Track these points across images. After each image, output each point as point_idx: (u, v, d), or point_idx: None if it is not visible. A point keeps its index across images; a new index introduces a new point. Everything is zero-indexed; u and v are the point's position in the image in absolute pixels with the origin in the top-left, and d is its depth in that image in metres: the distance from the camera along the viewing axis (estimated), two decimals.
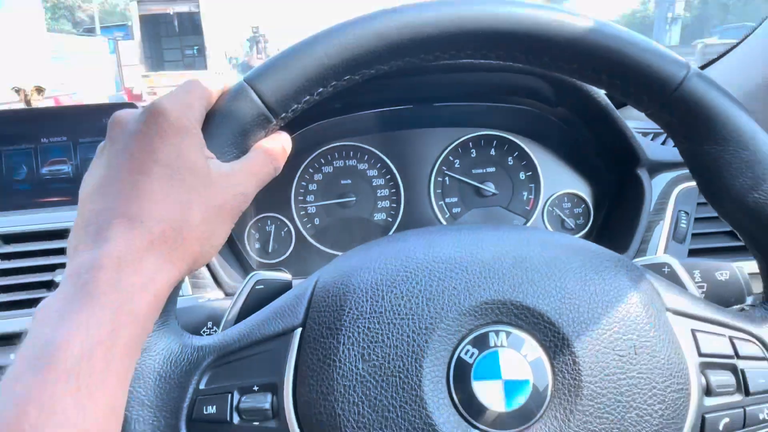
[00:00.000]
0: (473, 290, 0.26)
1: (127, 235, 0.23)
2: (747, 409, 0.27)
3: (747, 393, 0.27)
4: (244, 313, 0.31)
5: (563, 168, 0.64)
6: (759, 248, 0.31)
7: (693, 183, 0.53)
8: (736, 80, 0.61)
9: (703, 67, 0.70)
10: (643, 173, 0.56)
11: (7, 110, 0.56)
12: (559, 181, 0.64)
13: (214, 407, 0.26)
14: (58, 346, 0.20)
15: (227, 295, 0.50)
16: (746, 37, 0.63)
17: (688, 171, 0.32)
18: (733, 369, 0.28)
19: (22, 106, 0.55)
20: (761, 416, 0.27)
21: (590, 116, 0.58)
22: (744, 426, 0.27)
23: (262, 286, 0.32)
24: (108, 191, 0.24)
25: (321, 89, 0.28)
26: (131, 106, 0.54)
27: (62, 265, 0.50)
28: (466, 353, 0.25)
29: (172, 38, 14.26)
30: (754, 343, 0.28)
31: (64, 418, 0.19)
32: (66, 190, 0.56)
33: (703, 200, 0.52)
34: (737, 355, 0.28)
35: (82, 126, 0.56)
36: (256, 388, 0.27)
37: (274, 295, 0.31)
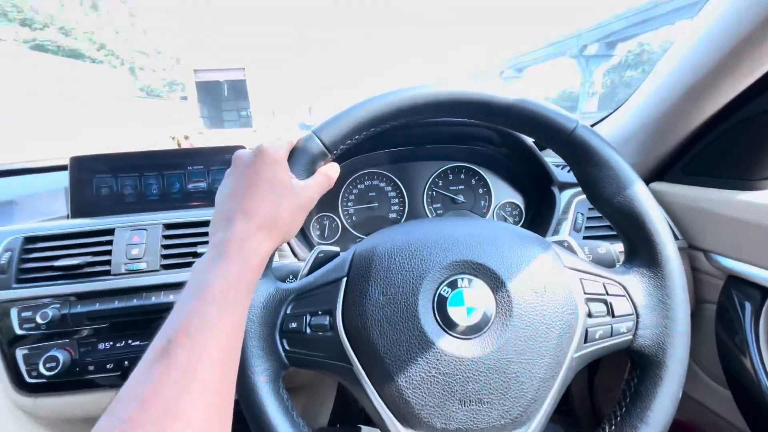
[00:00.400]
0: (447, 253, 0.34)
1: (244, 223, 0.31)
2: (613, 325, 0.35)
3: (613, 316, 0.35)
4: (312, 269, 0.39)
5: (506, 186, 0.79)
6: (621, 230, 0.39)
7: (585, 196, 0.68)
8: (616, 131, 0.72)
9: (594, 124, 0.81)
10: (555, 189, 0.70)
11: (170, 150, 0.73)
12: (503, 194, 0.79)
13: (295, 323, 0.34)
14: (208, 284, 0.27)
15: (300, 260, 0.62)
16: (622, 104, 0.73)
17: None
18: (605, 302, 0.35)
19: (175, 147, 0.70)
20: (621, 330, 0.35)
21: (522, 153, 0.72)
22: (611, 335, 0.35)
23: (322, 254, 0.40)
24: (233, 197, 0.33)
25: (357, 136, 0.36)
26: (242, 147, 0.70)
27: (203, 242, 0.62)
28: (444, 291, 0.33)
29: (228, 101, 16.13)
30: (618, 285, 0.36)
31: (211, 325, 0.26)
32: (203, 198, 0.73)
33: (591, 205, 0.69)
34: (607, 293, 0.36)
35: (212, 159, 0.73)
36: (319, 312, 0.35)
37: (328, 260, 0.39)
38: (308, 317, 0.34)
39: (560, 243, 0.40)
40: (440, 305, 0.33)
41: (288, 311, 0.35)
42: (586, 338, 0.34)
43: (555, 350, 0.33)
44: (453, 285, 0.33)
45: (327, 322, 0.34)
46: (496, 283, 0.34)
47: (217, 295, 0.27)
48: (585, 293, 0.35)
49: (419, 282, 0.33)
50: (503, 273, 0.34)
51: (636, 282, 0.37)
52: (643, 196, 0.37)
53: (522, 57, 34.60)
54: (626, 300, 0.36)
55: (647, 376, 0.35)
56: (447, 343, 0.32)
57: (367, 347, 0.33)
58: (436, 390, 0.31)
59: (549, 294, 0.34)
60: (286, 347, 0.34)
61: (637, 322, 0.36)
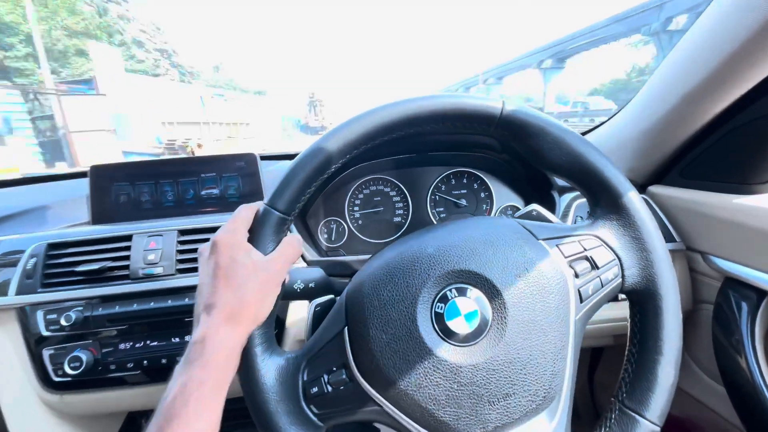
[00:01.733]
0: (429, 271, 0.35)
1: (207, 320, 0.31)
2: (600, 277, 0.36)
3: (597, 268, 0.36)
4: (314, 325, 0.39)
5: (507, 190, 0.81)
6: (579, 185, 0.40)
7: (584, 199, 0.64)
8: (615, 135, 0.73)
9: (593, 129, 0.81)
10: (555, 193, 0.72)
11: (184, 158, 0.75)
12: (505, 197, 0.81)
13: (316, 387, 0.34)
14: (170, 397, 0.28)
15: (309, 264, 0.65)
16: (621, 108, 0.74)
17: (579, 192, 0.42)
18: (586, 257, 0.36)
19: (190, 155, 0.73)
20: (609, 278, 0.36)
21: (521, 158, 0.74)
22: (602, 286, 0.36)
23: (318, 308, 0.40)
24: (199, 294, 0.34)
25: (309, 190, 0.37)
26: (250, 156, 0.76)
27: None
28: (438, 308, 0.34)
29: None
30: (592, 237, 0.38)
31: (186, 424, 0.27)
32: (215, 204, 0.76)
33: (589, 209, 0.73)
34: (585, 249, 0.37)
35: (224, 166, 0.76)
36: (334, 368, 0.35)
37: (326, 309, 0.39)
38: (326, 377, 0.34)
39: (528, 214, 0.41)
40: (439, 322, 0.33)
41: (305, 378, 0.35)
42: (580, 298, 0.35)
43: (557, 322, 0.33)
44: (444, 299, 0.34)
45: (345, 376, 0.34)
46: (482, 282, 0.34)
47: (178, 409, 0.28)
48: (565, 257, 0.36)
49: (413, 308, 0.33)
50: (483, 270, 0.34)
51: (607, 229, 0.38)
52: (585, 148, 0.37)
53: (501, 67, 37.68)
54: (604, 248, 0.37)
55: (647, 309, 0.36)
56: (458, 355, 0.32)
57: (387, 385, 0.33)
58: (464, 401, 0.32)
59: (534, 272, 0.34)
60: (315, 411, 0.35)
61: (621, 265, 0.37)
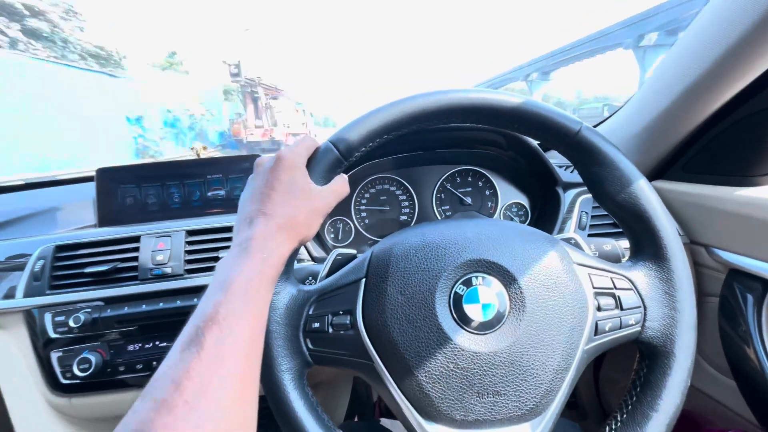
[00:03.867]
0: (461, 253, 0.35)
1: (265, 224, 0.32)
2: (621, 318, 0.36)
3: (621, 309, 0.36)
4: (331, 272, 0.40)
5: (512, 187, 0.81)
6: (626, 227, 0.40)
7: (590, 194, 0.64)
8: (618, 131, 0.73)
9: (596, 125, 0.81)
10: (560, 189, 0.72)
11: (189, 160, 0.76)
12: (510, 195, 0.81)
13: (318, 323, 0.36)
14: (233, 278, 0.29)
15: (316, 262, 0.65)
16: (624, 104, 0.75)
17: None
18: (613, 295, 0.36)
19: (195, 157, 0.74)
20: (629, 322, 0.36)
21: (527, 155, 0.75)
22: (620, 327, 0.36)
23: (340, 257, 0.41)
24: (255, 200, 0.34)
25: (371, 144, 0.38)
26: (254, 158, 0.71)
27: (224, 247, 0.65)
28: (459, 289, 0.34)
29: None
30: (625, 280, 0.37)
31: (237, 315, 0.27)
32: (221, 205, 0.76)
33: (596, 204, 0.66)
34: (615, 287, 0.37)
35: (229, 168, 0.76)
36: (341, 312, 0.36)
37: (346, 262, 0.40)
38: (330, 317, 0.35)
39: (567, 240, 0.41)
40: (456, 303, 0.34)
41: (310, 312, 0.36)
42: (596, 331, 0.35)
43: (567, 343, 0.33)
44: (468, 283, 0.34)
45: (348, 322, 0.35)
46: (509, 280, 0.35)
47: (242, 287, 0.28)
48: (594, 287, 0.36)
49: (435, 281, 0.34)
50: (516, 270, 0.35)
51: (642, 276, 0.38)
52: (646, 192, 0.38)
53: (494, 79, 39.90)
54: (633, 293, 0.37)
55: (656, 366, 0.35)
56: (464, 339, 0.33)
57: (387, 344, 0.34)
58: (455, 383, 0.32)
59: (560, 289, 0.34)
60: (310, 346, 0.36)
61: (645, 314, 0.36)
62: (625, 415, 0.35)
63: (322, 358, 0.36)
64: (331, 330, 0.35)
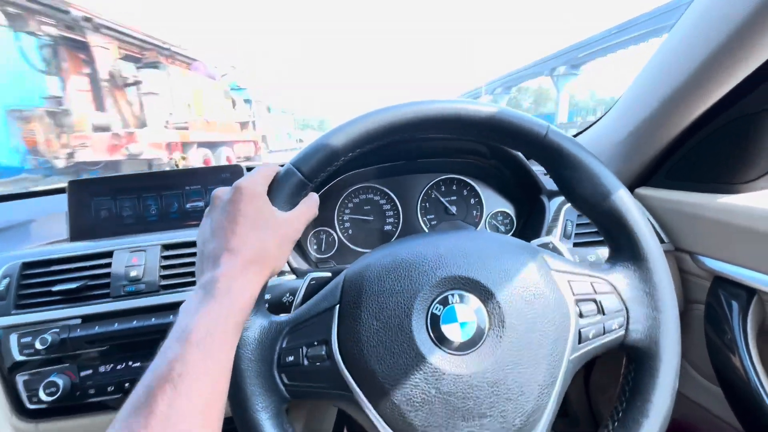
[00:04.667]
0: (436, 271, 0.34)
1: (231, 261, 0.31)
2: (604, 323, 0.35)
3: (603, 313, 0.35)
4: (305, 298, 0.39)
5: (497, 196, 0.81)
6: (602, 228, 0.40)
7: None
8: (600, 139, 0.73)
9: (579, 133, 0.82)
10: (544, 198, 0.71)
11: (167, 171, 0.73)
12: (494, 203, 0.80)
13: (292, 357, 0.34)
14: (192, 327, 0.27)
15: (298, 277, 0.61)
16: (605, 113, 0.75)
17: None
18: (594, 300, 0.36)
19: (174, 167, 0.71)
20: (612, 326, 0.35)
21: (510, 164, 0.74)
22: (604, 333, 0.35)
23: (313, 281, 0.41)
24: (217, 236, 0.32)
25: (336, 163, 0.37)
26: (236, 168, 0.74)
27: None
28: (436, 309, 0.33)
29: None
30: (605, 283, 0.37)
31: (195, 371, 0.25)
32: (200, 217, 0.65)
33: (579, 213, 0.72)
34: (595, 292, 0.36)
35: (208, 178, 0.74)
36: (315, 343, 0.34)
37: (321, 286, 0.39)
38: (305, 349, 0.34)
39: (545, 245, 0.40)
40: (434, 324, 0.33)
41: (284, 345, 0.35)
42: (579, 339, 0.34)
43: (551, 355, 0.33)
44: (444, 302, 0.33)
45: (324, 353, 0.34)
46: (487, 296, 0.34)
47: (202, 338, 0.26)
48: (574, 294, 0.36)
49: (411, 303, 0.33)
50: (492, 285, 0.34)
51: (622, 278, 0.37)
52: (619, 193, 0.37)
53: (509, 76, 37.57)
54: (615, 296, 0.36)
55: (643, 369, 0.35)
56: (444, 361, 0.32)
57: (365, 373, 0.32)
58: (438, 409, 0.31)
59: (539, 301, 0.34)
60: (286, 381, 0.34)
61: (628, 317, 0.36)
62: (616, 423, 0.35)
63: (299, 393, 0.34)
64: (306, 362, 0.34)
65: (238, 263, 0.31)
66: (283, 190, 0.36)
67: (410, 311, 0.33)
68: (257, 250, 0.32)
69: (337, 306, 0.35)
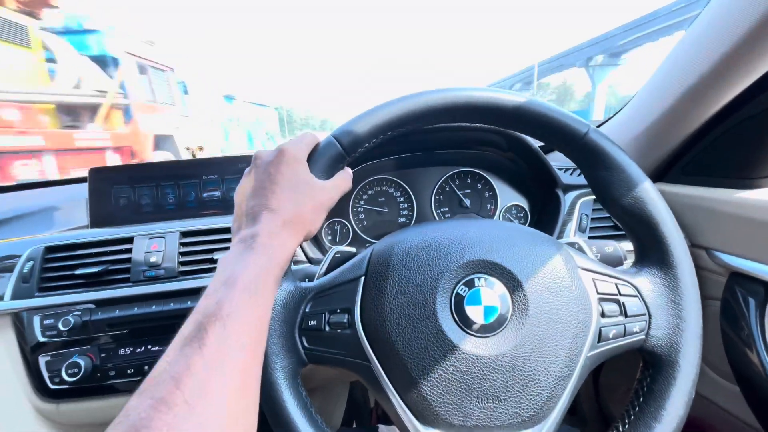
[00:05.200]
0: (464, 253, 0.35)
1: (270, 219, 0.32)
2: (626, 325, 0.35)
3: (626, 315, 0.35)
4: (329, 269, 0.39)
5: (511, 189, 0.81)
6: (631, 232, 0.40)
7: (591, 196, 0.69)
8: (617, 133, 0.72)
9: (600, 125, 0.81)
10: (559, 191, 0.71)
11: (185, 160, 0.75)
12: (509, 197, 0.80)
13: (314, 321, 0.35)
14: (238, 274, 0.28)
15: (312, 263, 0.65)
16: (623, 107, 0.74)
17: (588, 189, 0.44)
18: (617, 302, 0.36)
19: (190, 157, 0.71)
20: (634, 329, 0.35)
21: (528, 157, 0.74)
22: (624, 335, 0.35)
23: (338, 254, 0.41)
24: (257, 194, 0.33)
25: (374, 140, 0.38)
26: (245, 158, 0.76)
27: (219, 249, 0.64)
28: (461, 290, 0.34)
29: None
30: (630, 286, 0.37)
31: (241, 312, 0.26)
32: (217, 207, 0.75)
33: (596, 206, 0.68)
34: (619, 293, 0.36)
35: (226, 168, 0.75)
36: (338, 310, 0.35)
37: (345, 260, 0.40)
38: (327, 315, 0.35)
39: (571, 244, 0.40)
40: (457, 304, 0.33)
41: (307, 309, 0.36)
42: (599, 337, 0.34)
43: (570, 349, 0.33)
44: (470, 284, 0.34)
45: (345, 320, 0.34)
46: (513, 283, 0.34)
47: (248, 284, 0.28)
48: (598, 293, 0.36)
49: (437, 281, 0.34)
50: (519, 273, 0.34)
51: (648, 283, 0.37)
52: (653, 198, 0.37)
53: (529, 70, 34.89)
54: (638, 300, 0.36)
55: (660, 375, 0.35)
56: (464, 342, 0.32)
57: (385, 345, 0.33)
58: (454, 387, 0.31)
59: (564, 294, 0.34)
60: (306, 345, 0.35)
61: (650, 322, 0.36)
62: (627, 425, 0.34)
63: (317, 357, 0.35)
64: (327, 328, 0.34)
65: (277, 222, 0.32)
66: (323, 159, 0.37)
67: (435, 289, 0.33)
68: (295, 212, 0.33)
69: (363, 277, 0.36)
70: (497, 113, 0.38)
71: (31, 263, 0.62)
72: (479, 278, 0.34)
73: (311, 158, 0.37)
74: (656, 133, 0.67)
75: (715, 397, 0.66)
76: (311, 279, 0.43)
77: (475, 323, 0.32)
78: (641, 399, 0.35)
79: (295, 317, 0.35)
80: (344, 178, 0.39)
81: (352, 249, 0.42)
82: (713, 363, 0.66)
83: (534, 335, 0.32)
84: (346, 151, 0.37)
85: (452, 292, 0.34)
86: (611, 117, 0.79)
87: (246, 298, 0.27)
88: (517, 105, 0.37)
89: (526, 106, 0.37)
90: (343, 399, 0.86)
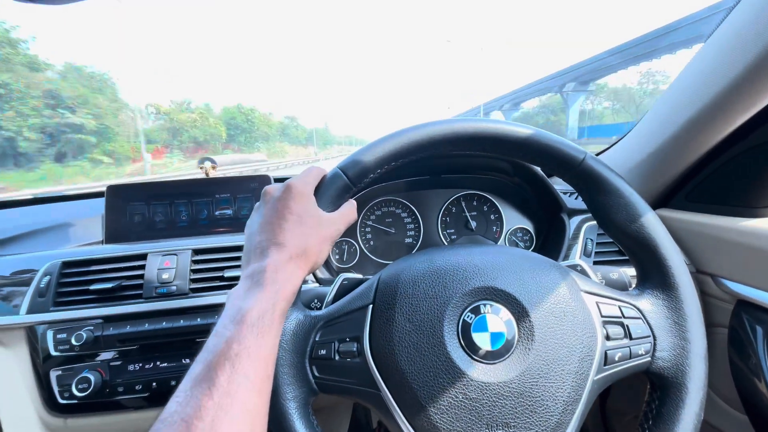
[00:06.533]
0: (469, 280, 0.35)
1: (277, 254, 0.33)
2: (631, 348, 0.35)
3: (630, 338, 0.36)
4: (337, 296, 0.40)
5: (517, 213, 0.82)
6: (632, 255, 0.41)
7: (594, 222, 0.67)
8: (621, 159, 0.74)
9: (600, 153, 0.84)
10: (564, 216, 0.72)
11: (199, 179, 0.77)
12: (515, 220, 0.81)
13: (324, 350, 0.35)
14: (245, 311, 0.29)
15: (321, 284, 0.59)
16: (627, 133, 0.76)
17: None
18: (621, 324, 0.36)
19: (204, 176, 0.73)
20: (639, 352, 0.36)
21: (533, 182, 0.76)
22: (630, 357, 0.35)
23: (346, 281, 0.42)
24: (265, 230, 0.34)
25: (379, 170, 0.39)
26: (264, 178, 0.79)
27: (230, 267, 0.65)
28: (467, 317, 0.34)
29: None
30: (633, 308, 0.37)
31: (249, 350, 0.27)
32: (229, 225, 0.77)
33: (601, 231, 0.69)
34: (623, 316, 0.37)
35: (238, 187, 0.78)
36: (348, 339, 0.35)
37: (353, 287, 0.40)
38: (336, 344, 0.35)
39: (573, 267, 0.41)
40: (464, 331, 0.33)
41: (317, 338, 0.36)
42: (605, 360, 0.35)
43: (577, 373, 0.33)
44: (476, 311, 0.34)
45: (355, 349, 0.35)
46: (518, 309, 0.34)
47: (255, 321, 0.28)
48: (602, 316, 0.36)
49: (444, 308, 0.34)
50: (524, 299, 0.34)
51: (650, 305, 0.38)
52: (652, 222, 0.38)
53: (517, 93, 38.37)
54: (642, 322, 0.37)
55: (668, 398, 0.35)
56: (473, 369, 0.32)
57: (394, 373, 0.33)
58: (464, 415, 0.31)
59: (568, 318, 0.34)
60: (316, 374, 0.35)
61: (655, 344, 0.36)
62: None
63: (328, 387, 0.35)
64: (337, 357, 0.35)
65: (284, 256, 0.32)
66: (329, 192, 0.38)
67: (442, 316, 0.34)
68: (302, 245, 0.34)
69: (371, 306, 0.36)
70: (499, 143, 0.39)
71: (48, 278, 0.64)
72: (485, 305, 0.34)
73: (318, 191, 0.38)
74: (660, 159, 0.68)
75: (723, 425, 0.65)
76: (320, 300, 0.44)
77: (481, 349, 0.33)
78: (650, 422, 0.35)
79: (305, 346, 0.36)
80: (350, 210, 0.40)
81: (359, 275, 0.42)
82: (721, 391, 0.65)
83: (541, 360, 0.33)
84: (352, 182, 0.38)
85: (459, 320, 0.34)
86: (615, 143, 0.82)
87: (254, 335, 0.28)
88: (519, 135, 0.39)
89: (527, 137, 0.39)
90: (347, 420, 0.86)
